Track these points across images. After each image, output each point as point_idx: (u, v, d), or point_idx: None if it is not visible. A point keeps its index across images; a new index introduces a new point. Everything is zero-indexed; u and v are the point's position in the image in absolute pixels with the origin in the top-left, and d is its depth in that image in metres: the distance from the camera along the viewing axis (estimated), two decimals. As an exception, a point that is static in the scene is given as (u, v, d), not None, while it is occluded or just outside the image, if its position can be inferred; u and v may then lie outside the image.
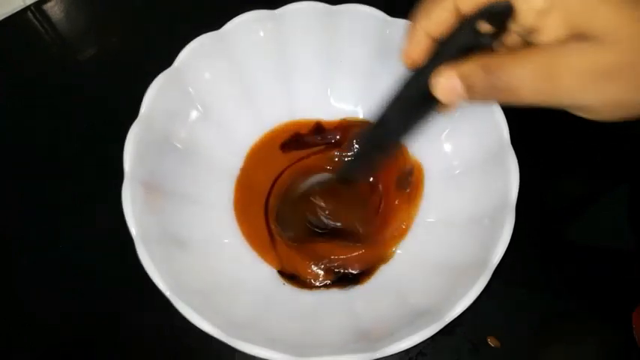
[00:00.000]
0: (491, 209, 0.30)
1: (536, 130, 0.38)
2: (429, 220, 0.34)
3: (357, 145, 0.29)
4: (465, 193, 0.33)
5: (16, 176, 0.39)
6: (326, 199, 0.33)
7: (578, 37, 0.18)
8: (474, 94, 0.20)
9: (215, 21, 0.33)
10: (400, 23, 0.33)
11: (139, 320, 0.33)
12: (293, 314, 0.30)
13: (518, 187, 0.29)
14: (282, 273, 0.33)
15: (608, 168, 0.39)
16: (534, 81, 0.18)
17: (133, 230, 0.27)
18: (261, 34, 0.35)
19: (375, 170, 0.32)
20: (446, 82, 0.21)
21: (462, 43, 0.21)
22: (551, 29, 0.19)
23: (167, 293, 0.26)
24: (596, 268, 0.34)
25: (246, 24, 0.34)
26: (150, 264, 0.26)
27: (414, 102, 0.24)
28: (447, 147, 0.35)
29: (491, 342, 0.32)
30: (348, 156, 0.32)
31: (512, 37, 0.21)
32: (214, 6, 0.42)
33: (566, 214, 0.37)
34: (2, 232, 0.37)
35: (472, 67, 0.20)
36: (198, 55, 0.33)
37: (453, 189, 0.34)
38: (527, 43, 0.21)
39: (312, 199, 0.33)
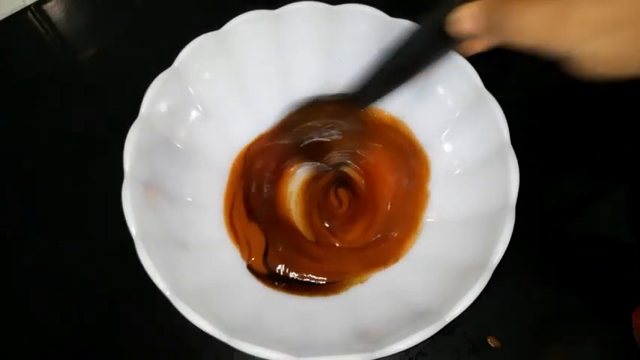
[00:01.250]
0: (491, 209, 0.30)
1: (536, 130, 0.38)
2: (429, 220, 0.34)
3: (375, 67, 0.30)
4: (465, 193, 0.33)
5: (16, 176, 0.39)
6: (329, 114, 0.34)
7: None
8: (488, 29, 0.23)
9: (215, 21, 0.33)
10: (400, 23, 0.33)
11: (138, 320, 0.33)
12: (292, 314, 0.30)
13: (518, 187, 0.29)
14: (251, 268, 0.33)
15: (608, 168, 0.39)
16: (542, 26, 0.20)
17: (133, 230, 0.27)
18: (261, 34, 0.35)
19: (384, 97, 0.32)
20: (467, 13, 0.23)
21: None
22: None
23: (167, 293, 0.26)
24: (596, 268, 0.34)
25: (246, 24, 0.34)
26: (150, 264, 0.26)
27: (433, 34, 0.26)
28: (447, 147, 0.35)
29: (491, 342, 0.32)
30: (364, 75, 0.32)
31: None
32: (214, 6, 0.42)
33: (566, 214, 0.37)
34: (2, 232, 0.37)
35: (492, 3, 0.22)
36: (198, 55, 0.33)
37: (453, 189, 0.34)
38: None
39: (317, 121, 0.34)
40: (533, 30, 0.20)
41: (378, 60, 0.30)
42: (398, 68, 0.29)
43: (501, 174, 0.30)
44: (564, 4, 0.19)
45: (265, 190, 0.36)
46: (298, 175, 0.37)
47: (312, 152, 0.36)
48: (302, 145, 0.35)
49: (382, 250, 0.34)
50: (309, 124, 0.35)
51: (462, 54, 0.29)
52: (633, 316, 0.32)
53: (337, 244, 0.35)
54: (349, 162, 0.37)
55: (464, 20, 0.23)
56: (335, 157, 0.36)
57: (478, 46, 0.27)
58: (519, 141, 0.30)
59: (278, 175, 0.37)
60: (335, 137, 0.35)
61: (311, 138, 0.35)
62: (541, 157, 0.38)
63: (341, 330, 0.29)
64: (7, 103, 0.42)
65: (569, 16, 0.19)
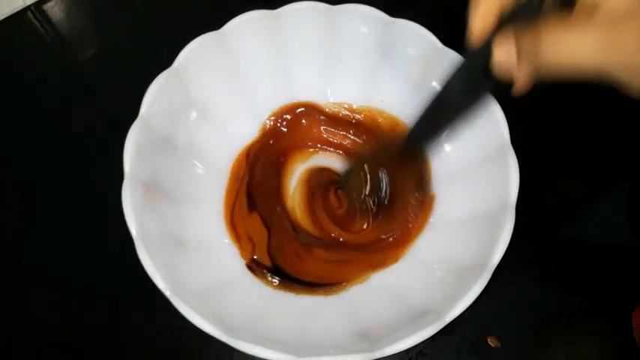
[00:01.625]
0: (491, 209, 0.30)
1: (536, 130, 0.38)
2: (429, 220, 0.34)
3: (421, 113, 0.29)
4: (465, 193, 0.33)
5: (16, 176, 0.39)
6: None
7: None
8: (531, 61, 0.21)
9: (215, 21, 0.33)
10: (400, 23, 0.33)
11: (139, 320, 0.33)
12: (293, 314, 0.30)
13: (518, 187, 0.29)
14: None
15: (608, 168, 0.39)
16: (594, 50, 0.18)
17: (133, 230, 0.27)
18: (261, 34, 0.35)
19: (437, 140, 0.32)
20: (503, 47, 0.21)
21: (524, 16, 0.21)
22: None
23: (167, 293, 0.26)
24: (596, 268, 0.34)
25: (246, 24, 0.34)
26: (150, 264, 0.26)
27: (477, 73, 0.24)
28: (447, 147, 0.35)
29: (491, 342, 0.32)
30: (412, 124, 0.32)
31: (578, 8, 0.21)
32: (214, 6, 0.42)
33: (566, 214, 0.37)
34: (2, 232, 0.37)
35: (534, 33, 0.20)
36: (198, 55, 0.33)
37: (453, 189, 0.34)
38: (592, 13, 0.20)
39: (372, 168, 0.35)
40: (585, 49, 0.18)
41: (425, 108, 0.29)
42: (444, 110, 0.28)
43: (501, 174, 0.30)
44: (614, 18, 0.17)
45: (269, 179, 0.37)
46: (301, 167, 0.38)
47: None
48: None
49: (382, 250, 0.34)
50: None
51: (516, 94, 0.25)
52: (633, 316, 0.32)
53: (339, 237, 0.35)
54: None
55: (503, 57, 0.21)
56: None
57: (520, 82, 0.23)
58: (519, 141, 0.30)
59: (281, 165, 0.38)
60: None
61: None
62: (541, 157, 0.38)
63: (341, 330, 0.29)
64: (7, 103, 0.42)
65: (626, 30, 0.17)
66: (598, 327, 0.33)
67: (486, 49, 0.22)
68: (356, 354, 0.25)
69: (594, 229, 0.37)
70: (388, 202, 0.36)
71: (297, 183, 0.37)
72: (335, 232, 0.36)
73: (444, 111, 0.28)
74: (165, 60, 0.32)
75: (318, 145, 0.39)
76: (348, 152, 0.38)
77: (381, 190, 0.35)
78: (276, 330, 0.28)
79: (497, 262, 0.27)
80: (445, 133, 0.30)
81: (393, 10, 0.34)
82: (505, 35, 0.21)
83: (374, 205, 0.36)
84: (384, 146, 0.36)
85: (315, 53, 0.36)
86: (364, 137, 0.38)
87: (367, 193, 0.35)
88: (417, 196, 0.34)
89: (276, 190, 0.37)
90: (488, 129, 0.31)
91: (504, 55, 0.21)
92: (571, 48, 0.19)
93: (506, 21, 0.22)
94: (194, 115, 0.34)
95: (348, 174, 0.36)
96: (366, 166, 0.35)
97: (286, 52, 0.36)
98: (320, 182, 0.37)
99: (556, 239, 0.36)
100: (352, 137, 0.38)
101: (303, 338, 0.28)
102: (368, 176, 0.35)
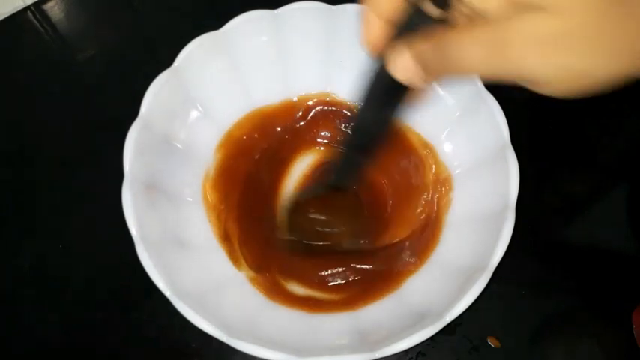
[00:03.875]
0: (491, 209, 0.30)
1: (536, 130, 0.38)
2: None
3: (341, 150, 0.29)
4: (465, 193, 0.33)
5: (16, 176, 0.39)
6: (320, 210, 0.33)
7: (524, 8, 0.17)
8: (429, 71, 0.21)
9: (215, 21, 0.33)
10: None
11: (139, 320, 0.33)
12: (293, 314, 0.30)
13: (518, 187, 0.29)
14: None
15: (608, 168, 0.39)
16: (484, 54, 0.18)
17: (133, 230, 0.27)
18: (261, 34, 0.35)
19: (363, 174, 0.31)
20: (401, 62, 0.21)
21: (413, 24, 0.21)
22: (495, 5, 0.18)
23: (167, 293, 0.26)
24: (596, 267, 0.34)
25: (246, 24, 0.34)
26: (150, 264, 0.26)
27: (385, 92, 0.24)
28: (447, 147, 0.35)
29: (492, 342, 0.32)
30: (332, 163, 0.31)
31: (461, 15, 0.21)
32: (214, 6, 0.42)
33: (566, 214, 0.37)
34: (2, 232, 0.37)
35: (423, 45, 0.20)
36: (198, 55, 0.33)
37: (453, 189, 0.34)
38: (477, 19, 0.20)
39: (307, 212, 0.33)
40: (474, 60, 0.18)
41: (347, 133, 0.28)
42: (367, 127, 0.27)
43: (501, 174, 0.30)
44: (501, 25, 0.18)
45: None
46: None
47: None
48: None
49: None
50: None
51: (420, 100, 0.26)
52: (633, 316, 0.32)
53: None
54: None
55: (400, 71, 0.21)
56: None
57: (425, 88, 0.24)
58: (519, 141, 0.30)
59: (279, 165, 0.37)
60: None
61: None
62: (541, 157, 0.38)
63: (341, 330, 0.29)
64: (6, 103, 0.42)
65: (510, 38, 0.17)
66: (598, 327, 0.33)
67: (383, 62, 0.22)
68: (356, 354, 0.25)
69: (594, 229, 0.37)
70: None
71: (296, 183, 0.37)
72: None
73: (368, 129, 0.27)
74: (165, 60, 0.32)
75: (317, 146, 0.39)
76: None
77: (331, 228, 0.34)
78: (276, 330, 0.28)
79: (497, 263, 0.27)
80: (377, 147, 0.28)
81: (392, 10, 0.34)
82: (399, 47, 0.21)
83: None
84: (313, 187, 0.35)
85: (315, 53, 0.36)
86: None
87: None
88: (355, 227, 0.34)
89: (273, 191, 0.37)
90: (488, 129, 0.31)
91: (400, 70, 0.21)
92: (461, 57, 0.19)
93: (398, 33, 0.21)
94: (194, 114, 0.34)
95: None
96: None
97: (286, 52, 0.36)
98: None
99: (556, 239, 0.36)
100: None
101: (303, 338, 0.28)
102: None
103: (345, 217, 0.34)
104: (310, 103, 0.38)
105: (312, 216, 0.33)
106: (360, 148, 0.28)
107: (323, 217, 0.33)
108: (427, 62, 0.20)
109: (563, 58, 0.17)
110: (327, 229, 0.34)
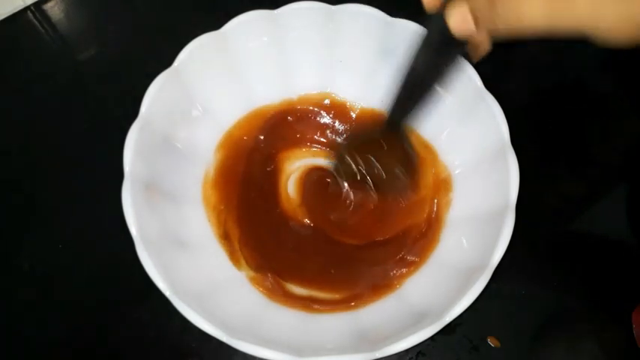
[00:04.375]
0: (491, 209, 0.30)
1: (536, 130, 0.38)
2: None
3: (395, 93, 0.30)
4: (465, 193, 0.33)
5: (16, 176, 0.39)
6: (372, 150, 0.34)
7: None
8: (486, 25, 0.21)
9: (215, 21, 0.33)
10: (400, 23, 0.33)
11: (138, 320, 0.33)
12: (293, 314, 0.30)
13: (518, 187, 0.29)
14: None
15: (607, 168, 0.39)
16: (546, 7, 0.19)
17: (133, 230, 0.27)
18: (261, 34, 0.35)
19: (415, 117, 0.32)
20: (459, 15, 0.22)
21: None
22: None
23: (167, 293, 0.26)
24: (596, 267, 0.35)
25: (246, 24, 0.34)
26: (150, 264, 0.26)
27: (439, 44, 0.25)
28: (447, 147, 0.35)
29: (492, 342, 0.32)
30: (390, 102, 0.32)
31: None
32: (214, 6, 0.42)
33: (566, 214, 0.37)
34: (2, 232, 0.37)
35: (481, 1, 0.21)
36: (198, 55, 0.33)
37: (453, 189, 0.34)
38: None
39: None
40: (535, 13, 0.19)
41: (398, 81, 0.29)
42: (416, 83, 0.29)
43: (501, 174, 0.30)
44: None
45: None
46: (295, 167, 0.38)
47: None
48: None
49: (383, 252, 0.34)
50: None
51: (472, 58, 0.27)
52: (633, 316, 0.32)
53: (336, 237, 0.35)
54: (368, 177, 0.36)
55: (458, 24, 0.22)
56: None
57: (483, 45, 0.25)
58: (519, 141, 0.30)
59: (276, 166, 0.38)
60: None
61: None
62: (541, 157, 0.38)
63: (341, 330, 0.29)
64: (6, 103, 0.42)
65: None
66: (598, 327, 0.33)
67: (442, 17, 0.23)
68: (356, 354, 0.25)
69: (594, 228, 0.37)
70: (383, 182, 0.36)
71: (294, 183, 0.37)
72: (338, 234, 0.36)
73: (418, 85, 0.28)
74: (165, 60, 0.32)
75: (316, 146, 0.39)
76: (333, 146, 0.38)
77: (377, 169, 0.35)
78: (276, 330, 0.28)
79: (497, 263, 0.27)
80: (424, 105, 0.30)
81: (393, 10, 0.34)
82: (457, 2, 0.22)
83: (373, 184, 0.36)
84: (367, 130, 0.36)
85: (315, 53, 0.36)
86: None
87: (361, 175, 0.35)
88: (402, 170, 0.35)
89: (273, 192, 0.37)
90: (488, 129, 0.31)
91: (459, 22, 0.22)
92: (520, 12, 0.19)
93: None
94: (194, 114, 0.34)
95: (339, 162, 0.36)
96: (353, 153, 0.35)
97: (286, 52, 0.36)
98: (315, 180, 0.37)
99: (556, 239, 0.36)
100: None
101: (303, 338, 0.28)
102: (358, 158, 0.35)
103: (393, 161, 0.35)
104: (310, 103, 0.38)
105: (364, 154, 0.35)
106: (410, 98, 0.29)
107: (373, 156, 0.35)
108: (485, 16, 0.21)
109: (629, 5, 0.17)
110: (375, 169, 0.35)
